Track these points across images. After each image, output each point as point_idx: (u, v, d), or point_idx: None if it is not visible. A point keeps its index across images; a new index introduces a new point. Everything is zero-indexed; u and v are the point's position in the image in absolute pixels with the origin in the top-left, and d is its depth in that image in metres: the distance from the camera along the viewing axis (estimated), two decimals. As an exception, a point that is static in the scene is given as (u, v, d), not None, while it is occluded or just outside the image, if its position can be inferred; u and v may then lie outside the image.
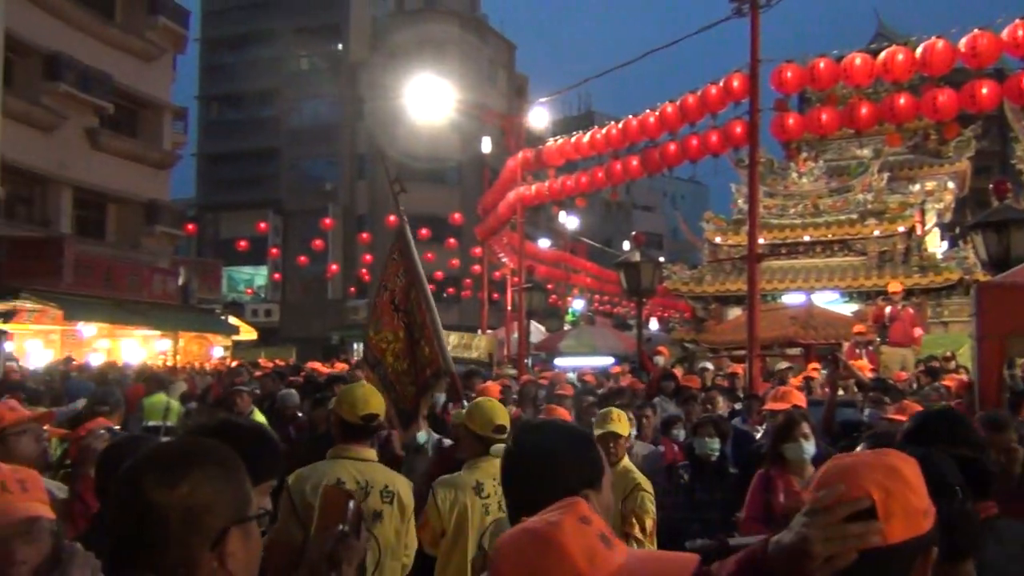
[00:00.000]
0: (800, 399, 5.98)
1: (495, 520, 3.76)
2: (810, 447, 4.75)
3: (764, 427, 6.59)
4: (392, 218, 31.71)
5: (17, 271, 20.28)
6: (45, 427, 3.74)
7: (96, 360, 22.00)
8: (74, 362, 19.54)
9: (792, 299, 20.38)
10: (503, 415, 4.19)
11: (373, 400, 3.97)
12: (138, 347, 25.92)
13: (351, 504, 1.94)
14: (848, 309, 20.00)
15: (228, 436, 2.13)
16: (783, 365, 13.52)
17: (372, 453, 3.94)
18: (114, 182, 25.35)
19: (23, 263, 20.37)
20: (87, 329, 23.92)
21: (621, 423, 4.68)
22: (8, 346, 18.48)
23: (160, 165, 27.85)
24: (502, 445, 3.56)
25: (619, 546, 1.29)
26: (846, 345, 16.00)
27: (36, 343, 23.85)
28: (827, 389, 9.44)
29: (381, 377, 5.43)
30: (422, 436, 6.08)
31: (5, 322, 20.52)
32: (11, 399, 3.69)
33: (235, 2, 44.12)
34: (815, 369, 12.42)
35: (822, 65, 10.03)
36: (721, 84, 10.95)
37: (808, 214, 21.66)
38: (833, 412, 6.97)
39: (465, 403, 6.55)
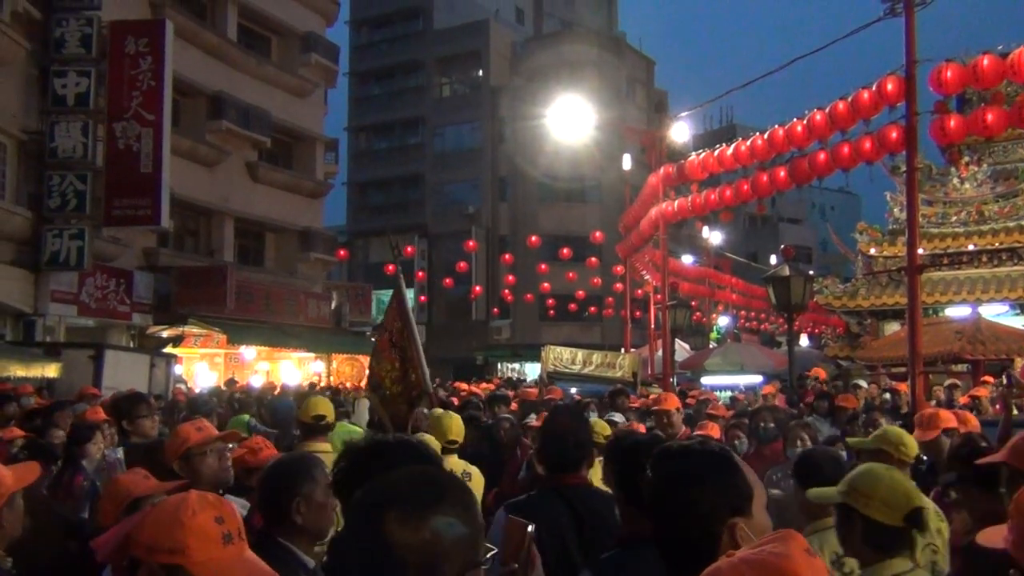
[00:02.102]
0: (951, 421, 5.39)
1: None
2: None
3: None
4: (533, 238, 32.10)
5: (185, 298, 21.60)
6: (230, 445, 3.92)
7: (257, 382, 23.15)
8: (237, 383, 20.61)
9: (957, 312, 19.23)
10: (457, 430, 5.18)
11: (322, 405, 5.31)
12: (294, 369, 27.10)
13: (527, 538, 1.88)
14: (1020, 322, 18.69)
15: (379, 454, 2.17)
16: (949, 382, 12.78)
17: (327, 446, 5.05)
18: (272, 212, 26.66)
19: (191, 291, 21.69)
20: (248, 352, 25.20)
21: None
22: (177, 369, 19.70)
23: (314, 195, 29.12)
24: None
25: None
26: (1018, 361, 14.97)
27: (202, 366, 25.33)
28: (999, 408, 8.82)
29: (381, 397, 6.71)
30: None
31: (175, 346, 21.90)
32: (201, 420, 3.90)
33: (381, 36, 45.84)
34: (984, 386, 11.67)
35: (986, 62, 9.40)
36: (874, 88, 10.42)
37: (972, 221, 20.41)
38: (1009, 431, 6.49)
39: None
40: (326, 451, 4.73)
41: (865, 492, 2.69)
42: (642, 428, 6.27)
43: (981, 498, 3.24)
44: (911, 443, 4.46)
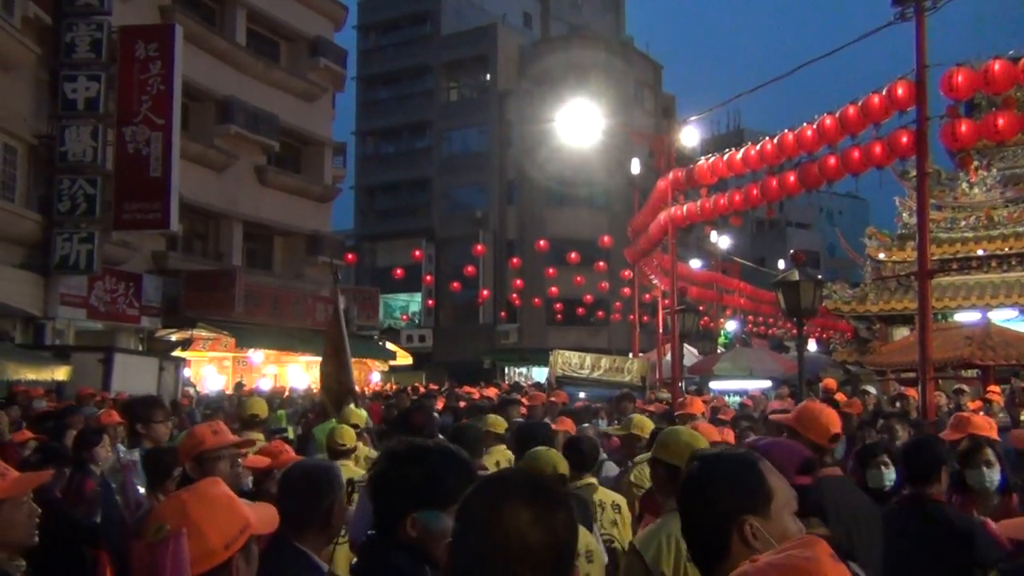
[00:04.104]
0: (981, 426, 5.42)
1: None
2: (994, 475, 4.39)
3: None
4: (541, 243, 32.09)
5: (194, 302, 21.66)
6: (243, 452, 3.93)
7: (265, 385, 23.18)
8: (245, 387, 20.65)
9: (966, 317, 19.16)
10: (358, 417, 6.61)
11: (256, 406, 6.78)
12: (302, 372, 27.13)
13: None
14: (1029, 327, 18.60)
15: (417, 458, 2.18)
16: (956, 387, 12.73)
17: (261, 436, 6.15)
18: (280, 216, 26.72)
19: (199, 294, 21.74)
20: (256, 356, 25.24)
21: None
22: (186, 372, 19.74)
23: (322, 199, 29.18)
24: None
25: None
26: (1028, 366, 14.90)
27: (210, 369, 25.39)
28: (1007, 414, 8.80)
29: (330, 394, 8.57)
30: None
31: (183, 350, 21.95)
32: (218, 423, 3.91)
33: (389, 40, 45.92)
34: (994, 392, 11.62)
35: (997, 67, 9.37)
36: (884, 92, 10.39)
37: (981, 226, 20.35)
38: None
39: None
40: (259, 438, 5.80)
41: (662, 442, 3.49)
42: None
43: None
44: (648, 426, 5.74)
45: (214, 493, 1.83)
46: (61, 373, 13.70)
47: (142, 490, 5.12)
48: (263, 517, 1.90)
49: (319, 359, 28.23)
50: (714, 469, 1.93)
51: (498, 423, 6.42)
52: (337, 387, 8.44)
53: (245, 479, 4.05)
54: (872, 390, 13.57)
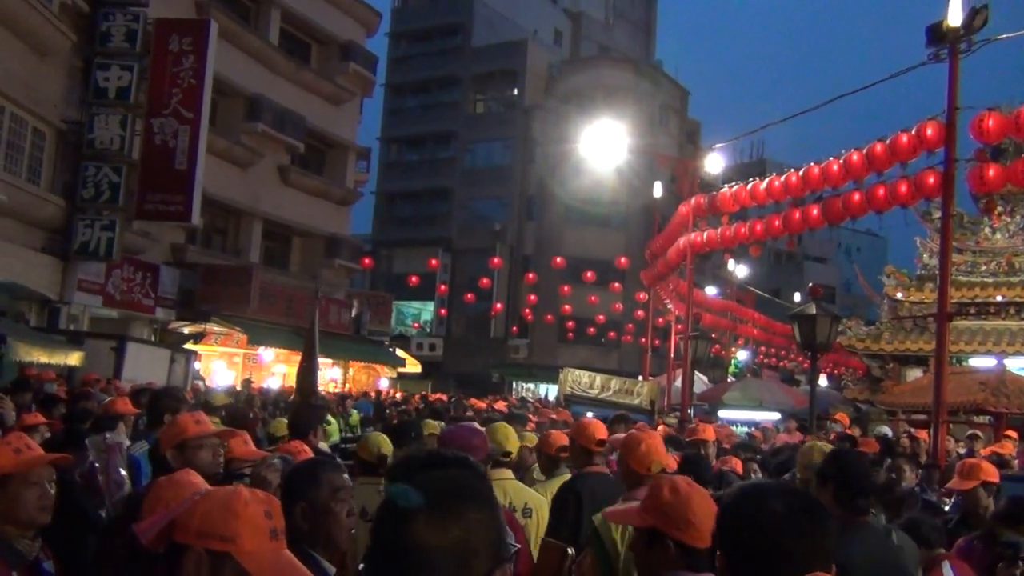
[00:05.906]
0: (990, 473, 5.33)
1: None
2: None
3: (953, 499, 6.14)
4: (558, 260, 32.09)
5: (209, 296, 21.74)
6: (224, 441, 3.96)
7: (274, 384, 23.21)
8: (253, 384, 20.68)
9: (981, 363, 19.01)
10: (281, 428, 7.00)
11: (213, 396, 9.38)
12: (312, 373, 27.06)
13: (567, 562, 1.86)
14: (1046, 378, 18.41)
15: (436, 466, 2.17)
16: (970, 432, 12.62)
17: (218, 420, 6.32)
18: (300, 216, 26.81)
19: (215, 289, 21.82)
20: (267, 354, 25.27)
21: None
22: (196, 366, 19.79)
23: (342, 202, 29.27)
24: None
25: None
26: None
27: (220, 364, 25.43)
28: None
29: (303, 396, 10.08)
30: None
31: (195, 343, 22.02)
32: (200, 413, 3.93)
33: (419, 49, 46.17)
34: (1008, 440, 11.51)
35: (1029, 113, 9.35)
36: (914, 132, 10.36)
37: (1002, 272, 20.21)
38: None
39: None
40: (216, 422, 5.77)
41: None
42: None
43: None
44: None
45: (239, 502, 1.81)
46: (74, 358, 13.76)
47: (123, 472, 5.16)
48: (265, 562, 1.79)
49: (329, 361, 28.44)
50: (788, 512, 1.92)
51: (431, 426, 6.93)
52: (310, 390, 10.13)
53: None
54: (887, 431, 13.48)
